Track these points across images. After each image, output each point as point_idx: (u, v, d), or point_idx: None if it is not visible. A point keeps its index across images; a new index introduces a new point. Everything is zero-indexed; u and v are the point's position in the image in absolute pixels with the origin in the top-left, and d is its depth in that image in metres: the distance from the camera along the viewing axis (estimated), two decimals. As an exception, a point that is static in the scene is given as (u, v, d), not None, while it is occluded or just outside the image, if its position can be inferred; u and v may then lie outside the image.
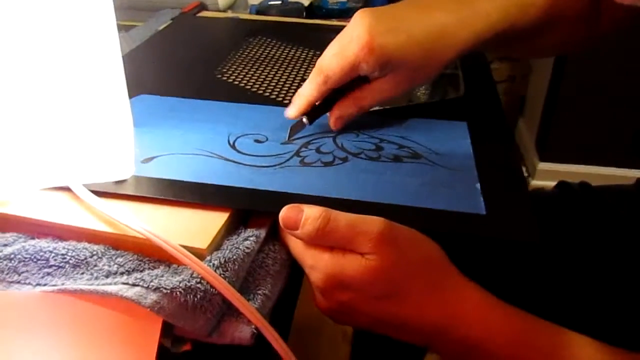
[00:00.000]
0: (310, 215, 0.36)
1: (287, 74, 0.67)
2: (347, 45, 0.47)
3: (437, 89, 0.61)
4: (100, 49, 0.42)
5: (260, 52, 0.74)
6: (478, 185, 0.45)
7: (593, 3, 0.52)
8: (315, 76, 0.49)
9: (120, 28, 0.79)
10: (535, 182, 1.90)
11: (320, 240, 0.37)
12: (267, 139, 0.51)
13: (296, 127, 0.51)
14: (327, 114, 0.52)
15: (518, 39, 0.50)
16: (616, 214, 0.60)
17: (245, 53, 0.73)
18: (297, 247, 0.39)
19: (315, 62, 0.51)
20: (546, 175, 1.88)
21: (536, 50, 0.58)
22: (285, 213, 0.37)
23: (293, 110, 0.51)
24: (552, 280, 0.55)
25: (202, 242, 0.37)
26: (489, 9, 0.48)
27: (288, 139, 0.51)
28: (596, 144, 1.82)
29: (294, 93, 0.61)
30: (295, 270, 0.41)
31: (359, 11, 0.48)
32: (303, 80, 0.65)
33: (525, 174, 1.96)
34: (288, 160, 0.47)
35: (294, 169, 0.46)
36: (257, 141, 0.50)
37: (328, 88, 0.49)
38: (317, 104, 0.51)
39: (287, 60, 0.71)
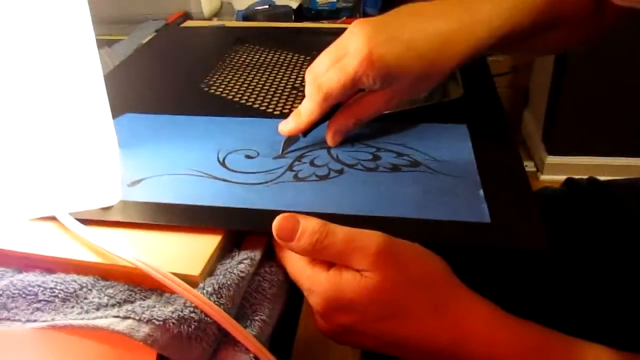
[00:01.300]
0: (308, 228, 0.36)
1: (277, 82, 0.67)
2: (346, 59, 0.47)
3: (435, 89, 0.61)
4: (79, 69, 0.42)
5: (248, 60, 0.74)
6: (481, 192, 0.45)
7: (596, 1, 0.52)
8: (314, 94, 0.48)
9: (102, 43, 0.79)
10: (545, 177, 1.90)
11: (316, 254, 0.37)
12: (258, 154, 0.51)
13: (290, 140, 0.51)
14: (325, 125, 0.52)
15: (519, 40, 0.50)
16: (627, 211, 0.59)
17: (233, 62, 0.73)
18: (293, 269, 0.39)
19: (306, 68, 0.51)
20: (555, 169, 1.88)
21: (538, 50, 0.58)
22: (280, 223, 0.37)
23: (290, 128, 0.50)
24: (563, 287, 0.54)
25: (195, 268, 0.37)
26: (490, 15, 0.48)
27: (282, 152, 0.51)
28: (605, 134, 1.82)
29: (284, 103, 0.61)
30: (294, 289, 0.41)
31: (355, 22, 0.48)
32: (294, 88, 0.65)
33: (534, 169, 1.96)
34: (281, 175, 0.47)
35: (287, 185, 0.46)
36: (248, 157, 0.50)
37: (329, 105, 0.49)
38: None
39: (276, 68, 0.71)
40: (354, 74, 0.46)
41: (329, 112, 0.51)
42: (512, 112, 2.11)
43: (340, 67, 0.47)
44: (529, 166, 1.97)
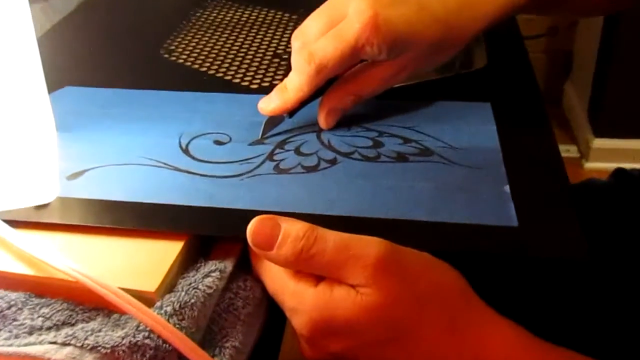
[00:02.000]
0: (291, 233, 0.37)
1: (255, 48, 0.67)
2: (344, 23, 0.47)
3: (453, 58, 0.61)
4: (5, 31, 0.42)
5: (219, 19, 0.74)
6: (507, 188, 0.45)
7: None
8: (304, 64, 0.48)
9: (37, -3, 0.79)
10: (590, 165, 1.91)
11: (302, 266, 0.37)
12: (230, 140, 0.51)
13: (271, 121, 0.51)
14: (314, 103, 0.52)
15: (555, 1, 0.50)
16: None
17: (200, 22, 0.73)
18: (274, 284, 0.39)
19: (292, 30, 0.51)
20: (604, 155, 1.89)
21: (581, 11, 0.57)
22: (256, 227, 0.37)
23: (274, 106, 0.50)
24: (608, 304, 0.55)
25: (150, 283, 0.37)
26: None
27: (261, 137, 0.51)
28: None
29: (264, 74, 0.61)
30: (275, 309, 0.41)
31: None
32: (277, 55, 0.65)
33: (577, 155, 1.97)
34: (259, 166, 0.47)
35: (266, 178, 0.46)
36: (217, 142, 0.50)
37: (322, 79, 0.49)
38: None
39: (254, 29, 0.71)
40: (354, 42, 0.46)
41: (322, 86, 0.51)
42: (550, 84, 2.11)
43: (338, 34, 0.47)
44: (572, 151, 1.98)
